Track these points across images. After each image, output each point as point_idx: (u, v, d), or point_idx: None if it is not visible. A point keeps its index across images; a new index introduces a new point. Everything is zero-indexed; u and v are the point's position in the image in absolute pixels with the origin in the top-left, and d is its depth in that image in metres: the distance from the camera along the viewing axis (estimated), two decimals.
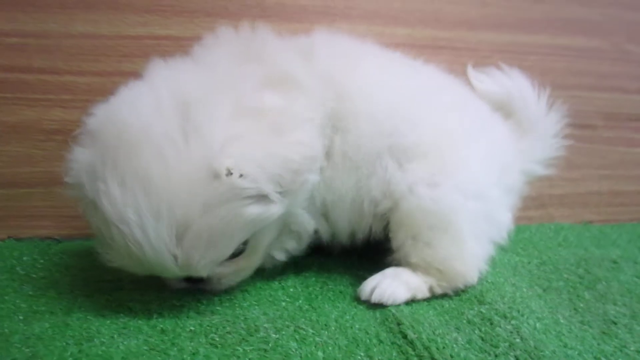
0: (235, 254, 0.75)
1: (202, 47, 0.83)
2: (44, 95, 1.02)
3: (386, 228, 0.84)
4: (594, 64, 1.20)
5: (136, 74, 1.00)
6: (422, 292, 0.81)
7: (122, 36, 1.02)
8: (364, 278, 0.83)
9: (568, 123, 1.15)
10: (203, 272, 0.72)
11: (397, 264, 0.83)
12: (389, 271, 0.82)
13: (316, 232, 0.87)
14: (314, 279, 0.89)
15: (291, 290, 0.84)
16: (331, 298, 0.83)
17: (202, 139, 0.65)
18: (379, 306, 0.79)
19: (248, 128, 0.69)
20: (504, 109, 0.97)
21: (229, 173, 0.65)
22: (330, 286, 0.87)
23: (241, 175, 0.66)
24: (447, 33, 1.12)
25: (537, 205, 0.97)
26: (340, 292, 0.85)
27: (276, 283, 0.86)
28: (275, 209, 0.71)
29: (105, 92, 0.99)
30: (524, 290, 0.86)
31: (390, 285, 0.79)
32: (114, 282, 0.83)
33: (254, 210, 0.69)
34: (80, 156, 0.71)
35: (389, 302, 0.78)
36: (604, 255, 0.96)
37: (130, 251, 0.66)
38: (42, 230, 1.06)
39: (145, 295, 0.79)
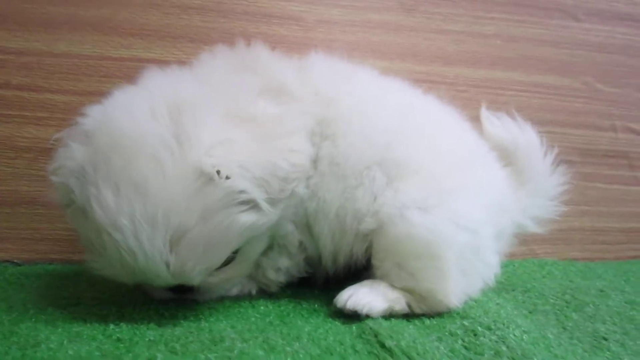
0: (225, 263, 0.71)
1: (199, 60, 0.84)
2: (19, 112, 1.00)
3: (368, 251, 0.79)
4: (567, 102, 1.23)
5: None
6: (401, 305, 0.76)
7: (105, 57, 1.02)
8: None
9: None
10: (195, 281, 0.69)
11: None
12: (367, 282, 0.78)
13: (302, 246, 0.83)
14: (287, 299, 0.83)
15: (262, 308, 0.78)
16: (304, 315, 0.76)
17: (191, 144, 0.64)
18: (356, 320, 0.73)
19: (239, 134, 0.68)
20: (507, 157, 0.94)
21: (219, 175, 0.63)
22: (304, 305, 0.81)
23: (227, 177, 0.64)
24: (425, 67, 1.15)
25: (520, 242, 0.95)
26: (315, 310, 0.79)
27: (246, 302, 0.80)
28: (266, 218, 0.70)
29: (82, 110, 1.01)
30: (509, 309, 0.81)
31: (367, 294, 0.75)
32: (73, 299, 0.78)
33: (248, 217, 0.67)
34: (71, 155, 0.68)
35: (364, 310, 0.73)
36: (590, 285, 0.92)
37: (121, 259, 0.63)
38: (1, 254, 1.00)
39: (104, 310, 0.73)
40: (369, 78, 0.89)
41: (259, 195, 0.67)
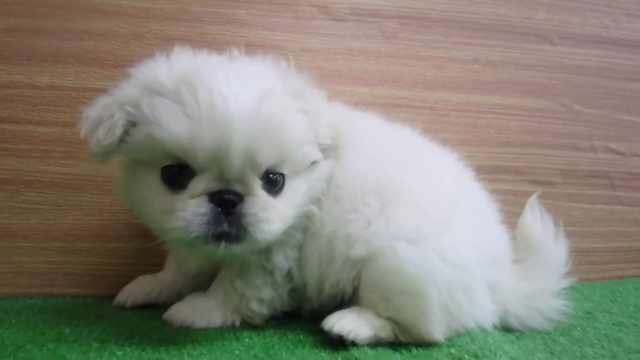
0: (274, 191, 0.73)
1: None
2: (0, 144, 1.00)
3: (354, 280, 0.79)
4: (547, 124, 1.25)
5: None
6: (386, 332, 0.75)
7: (87, 88, 1.03)
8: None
9: (528, 180, 1.18)
10: (265, 159, 0.70)
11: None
12: (355, 308, 0.78)
13: (290, 275, 0.82)
14: (272, 330, 0.81)
15: (246, 340, 0.76)
16: (290, 347, 0.75)
17: None
18: (342, 350, 0.72)
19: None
20: (526, 250, 0.92)
21: None
22: (289, 336, 0.79)
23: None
24: (406, 92, 1.16)
25: None
26: (300, 341, 0.77)
27: (230, 335, 0.78)
28: (315, 153, 0.77)
29: (65, 142, 1.01)
30: (496, 336, 0.79)
31: (354, 320, 0.74)
32: (52, 335, 0.75)
33: (307, 124, 0.75)
34: (132, 88, 0.75)
35: (350, 336, 0.72)
36: (576, 307, 0.90)
37: (212, 103, 0.66)
38: None
39: (84, 346, 0.71)
40: (376, 118, 0.92)
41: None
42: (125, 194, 0.78)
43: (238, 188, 0.68)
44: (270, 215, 0.70)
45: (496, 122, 1.21)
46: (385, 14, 1.16)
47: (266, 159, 0.69)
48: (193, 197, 0.67)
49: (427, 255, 0.74)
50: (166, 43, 1.05)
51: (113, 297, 0.94)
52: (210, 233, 0.67)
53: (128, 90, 0.73)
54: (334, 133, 0.79)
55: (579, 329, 0.88)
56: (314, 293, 0.82)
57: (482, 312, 0.81)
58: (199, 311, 0.81)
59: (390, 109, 1.13)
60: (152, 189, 0.71)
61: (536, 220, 0.93)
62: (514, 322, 0.85)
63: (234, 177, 0.68)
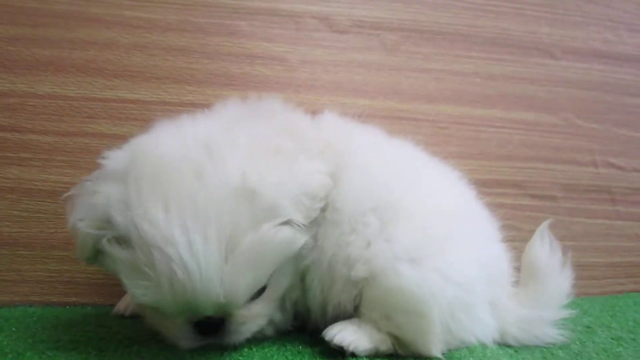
0: (255, 296, 0.72)
1: (212, 110, 0.86)
2: (2, 152, 1.01)
3: (355, 299, 0.79)
4: (548, 138, 1.25)
5: (99, 135, 1.03)
6: (386, 345, 0.76)
7: (89, 98, 1.04)
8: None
9: (529, 194, 1.18)
10: (240, 302, 0.68)
11: None
12: (356, 320, 0.78)
13: (295, 302, 0.83)
14: (270, 340, 0.81)
15: (245, 350, 0.76)
16: (288, 357, 0.75)
17: (224, 164, 0.67)
18: (340, 357, 0.73)
19: (265, 160, 0.71)
20: (530, 276, 0.92)
21: (258, 192, 0.67)
22: (287, 347, 0.79)
23: (262, 195, 0.67)
24: (406, 105, 1.16)
25: None
26: (299, 351, 0.77)
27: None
28: (300, 238, 0.72)
29: (66, 151, 1.02)
30: (494, 348, 0.80)
31: (355, 332, 0.75)
32: (52, 343, 0.77)
33: (288, 231, 0.70)
34: (106, 191, 0.69)
35: (350, 348, 0.73)
36: (576, 321, 0.91)
37: (173, 276, 0.63)
38: None
39: (82, 354, 0.72)
40: (374, 132, 0.92)
41: (295, 214, 0.70)
42: None
43: (217, 315, 0.69)
44: (250, 324, 0.73)
45: (497, 135, 1.21)
46: (387, 27, 1.17)
47: (242, 301, 0.69)
48: (176, 327, 0.70)
49: (429, 274, 0.74)
50: (167, 53, 1.08)
51: (112, 306, 0.95)
52: (197, 345, 0.71)
53: (91, 214, 0.70)
54: (323, 190, 0.76)
55: (577, 343, 0.88)
56: (317, 317, 0.83)
57: (483, 328, 0.82)
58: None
59: (391, 121, 1.13)
60: (140, 306, 0.74)
61: (544, 247, 0.92)
62: (510, 340, 0.86)
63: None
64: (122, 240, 0.66)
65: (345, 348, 0.73)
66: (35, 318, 0.91)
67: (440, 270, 0.74)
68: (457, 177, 0.91)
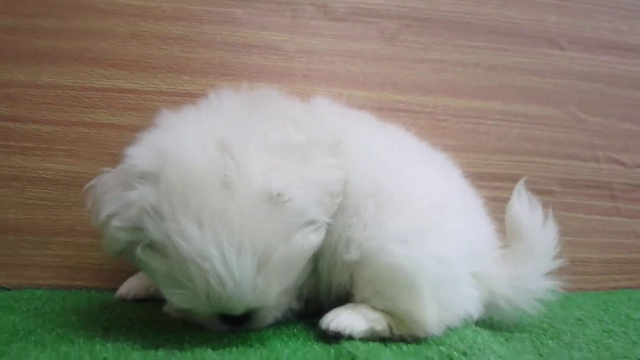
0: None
1: (209, 101, 0.93)
2: (5, 141, 1.13)
3: (350, 278, 0.89)
4: (549, 132, 1.32)
5: (98, 125, 1.13)
6: (381, 325, 0.85)
7: (87, 88, 1.15)
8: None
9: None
10: (271, 302, 0.80)
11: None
12: (349, 305, 0.88)
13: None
14: None
15: (242, 331, 0.87)
16: (284, 339, 0.85)
17: (249, 172, 0.74)
18: (334, 343, 0.82)
19: (280, 160, 0.78)
20: (514, 235, 1.00)
21: (282, 197, 0.74)
22: (283, 330, 0.90)
23: (289, 200, 0.75)
24: (404, 97, 1.24)
25: None
26: (294, 334, 0.88)
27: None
28: (322, 234, 0.81)
29: (66, 140, 1.14)
30: (486, 336, 0.88)
31: (349, 316, 0.84)
32: (60, 322, 0.88)
33: (316, 236, 0.80)
34: (138, 197, 0.75)
35: (347, 332, 0.82)
36: (568, 314, 1.00)
37: (209, 288, 0.72)
38: None
39: (90, 332, 0.83)
40: (370, 119, 1.01)
41: (319, 214, 0.79)
42: None
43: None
44: (271, 315, 0.85)
45: (496, 128, 1.29)
46: (386, 14, 1.24)
47: (272, 302, 0.80)
48: (207, 319, 0.82)
49: (417, 252, 0.83)
50: (163, 42, 1.17)
51: (115, 290, 1.07)
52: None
53: (125, 218, 0.76)
54: (340, 186, 0.84)
55: (568, 334, 0.96)
56: (324, 298, 0.94)
57: (468, 299, 0.92)
58: None
59: (388, 113, 1.20)
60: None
61: (523, 205, 1.01)
62: (502, 304, 0.95)
63: None
64: (157, 249, 0.74)
65: (341, 333, 0.83)
66: (43, 300, 1.04)
67: (426, 250, 0.84)
68: (443, 158, 1.00)
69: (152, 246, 0.75)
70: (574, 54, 1.31)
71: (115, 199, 0.78)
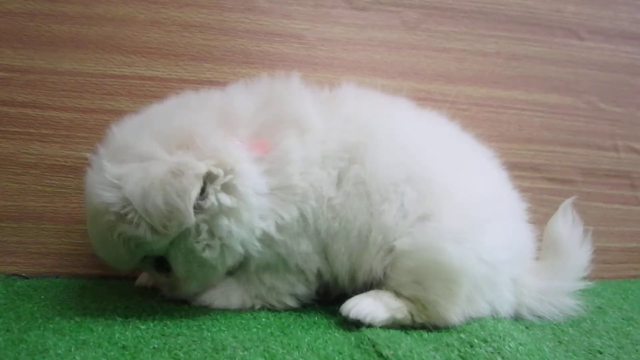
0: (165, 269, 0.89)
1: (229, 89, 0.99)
2: (24, 128, 1.13)
3: (387, 266, 0.90)
4: (570, 121, 1.35)
5: (119, 112, 1.14)
6: (402, 313, 0.87)
7: (107, 75, 1.15)
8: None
9: (546, 177, 1.28)
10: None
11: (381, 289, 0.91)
12: (372, 292, 0.90)
13: (319, 274, 0.95)
14: (288, 311, 0.95)
15: (263, 319, 0.89)
16: (304, 327, 0.87)
17: None
18: (355, 331, 0.84)
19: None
20: (551, 250, 1.05)
21: None
22: (304, 317, 0.92)
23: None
24: (426, 85, 1.27)
25: None
26: (314, 322, 0.90)
27: (248, 314, 0.92)
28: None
29: (86, 128, 1.15)
30: (506, 324, 0.91)
31: (371, 304, 0.87)
32: (79, 310, 0.89)
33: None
34: None
35: (367, 319, 0.85)
36: (588, 302, 1.02)
37: None
38: (9, 267, 1.13)
39: (109, 320, 0.84)
40: (401, 106, 1.03)
41: None
42: None
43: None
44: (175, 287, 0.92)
45: (517, 117, 1.32)
46: (408, 4, 1.27)
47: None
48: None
49: (467, 252, 0.86)
50: (184, 30, 1.18)
51: (134, 278, 1.08)
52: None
53: None
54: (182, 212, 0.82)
55: (588, 321, 0.99)
56: (345, 283, 0.95)
57: (501, 302, 0.95)
58: (219, 292, 0.94)
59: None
60: None
61: (566, 223, 1.05)
62: (524, 312, 0.98)
63: None
64: None
65: (362, 320, 0.85)
66: (61, 288, 1.04)
67: (477, 251, 0.87)
68: (490, 157, 1.03)
69: None
70: (594, 44, 1.34)
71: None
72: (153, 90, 1.16)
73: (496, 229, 0.91)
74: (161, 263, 0.88)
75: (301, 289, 0.95)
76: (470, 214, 0.89)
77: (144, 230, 0.79)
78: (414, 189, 0.89)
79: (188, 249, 0.84)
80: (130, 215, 0.78)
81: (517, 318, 0.97)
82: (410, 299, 0.88)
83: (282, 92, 0.96)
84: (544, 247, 1.06)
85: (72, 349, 0.71)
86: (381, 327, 0.86)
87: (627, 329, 0.97)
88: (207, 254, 0.85)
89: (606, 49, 1.35)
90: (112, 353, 0.71)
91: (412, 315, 0.88)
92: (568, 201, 1.08)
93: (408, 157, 0.91)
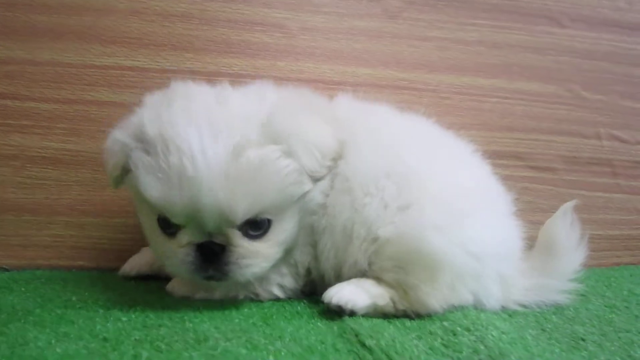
0: (258, 235, 0.87)
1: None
2: (3, 120, 1.13)
3: (371, 257, 0.91)
4: (552, 109, 1.36)
5: (99, 103, 1.15)
6: (384, 300, 0.88)
7: (87, 65, 1.15)
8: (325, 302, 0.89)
9: (529, 165, 1.29)
10: (239, 215, 0.82)
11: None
12: (354, 280, 0.90)
13: (308, 269, 0.97)
14: (270, 302, 0.95)
15: (246, 310, 0.89)
16: (287, 317, 0.87)
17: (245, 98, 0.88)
18: (338, 320, 0.84)
19: (290, 107, 0.90)
20: (545, 247, 1.06)
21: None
22: (286, 308, 0.92)
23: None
24: (408, 74, 1.27)
25: None
26: (297, 312, 0.90)
27: (230, 305, 0.91)
28: (306, 184, 0.88)
29: (66, 119, 1.14)
30: (489, 313, 0.92)
31: (352, 291, 0.87)
32: (60, 302, 0.89)
33: (293, 165, 0.85)
34: (141, 117, 0.86)
35: (349, 306, 0.85)
36: (571, 290, 1.03)
37: (182, 167, 0.78)
38: None
39: (90, 312, 0.84)
40: (385, 109, 1.04)
41: (305, 160, 0.86)
42: (137, 216, 0.94)
43: (219, 239, 0.84)
44: (252, 261, 0.87)
45: (500, 106, 1.32)
46: None
47: (241, 215, 0.82)
48: (180, 246, 0.84)
49: (449, 242, 0.87)
50: (165, 19, 1.18)
51: (117, 270, 1.08)
52: (199, 275, 0.86)
53: (126, 132, 0.87)
54: (333, 153, 0.91)
55: (571, 309, 1.00)
56: (332, 280, 0.96)
57: (487, 296, 0.95)
58: (201, 283, 0.93)
59: (392, 91, 1.25)
60: (152, 229, 0.88)
61: (565, 225, 1.06)
62: (512, 306, 0.99)
63: (213, 231, 0.83)
64: (148, 149, 0.82)
65: (343, 307, 0.86)
66: (43, 280, 1.04)
67: (459, 241, 0.87)
68: (473, 152, 1.04)
69: (143, 149, 0.82)
70: (576, 32, 1.34)
71: (120, 130, 0.87)
72: (134, 81, 1.16)
73: (478, 220, 0.91)
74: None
75: (289, 281, 0.96)
76: (452, 205, 0.89)
77: None
78: (394, 183, 0.90)
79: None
80: None
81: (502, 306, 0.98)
82: (391, 285, 0.89)
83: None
84: (538, 245, 1.07)
85: (53, 342, 0.71)
86: (364, 317, 0.86)
87: (610, 316, 0.98)
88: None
89: (588, 37, 1.36)
90: (93, 345, 0.70)
91: (394, 302, 0.88)
92: (569, 204, 1.09)
93: (388, 152, 0.92)
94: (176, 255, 0.85)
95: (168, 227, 0.85)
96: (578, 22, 1.35)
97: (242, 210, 0.81)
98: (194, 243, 0.84)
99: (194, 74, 1.17)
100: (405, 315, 0.89)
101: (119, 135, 0.86)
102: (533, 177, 1.25)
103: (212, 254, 0.84)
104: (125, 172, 0.87)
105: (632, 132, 1.40)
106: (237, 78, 1.17)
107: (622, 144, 1.40)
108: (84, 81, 1.15)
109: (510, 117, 1.32)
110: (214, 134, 0.80)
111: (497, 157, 1.29)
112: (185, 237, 0.84)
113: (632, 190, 1.41)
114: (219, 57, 1.19)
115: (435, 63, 1.29)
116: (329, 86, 1.22)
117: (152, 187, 0.80)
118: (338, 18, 1.25)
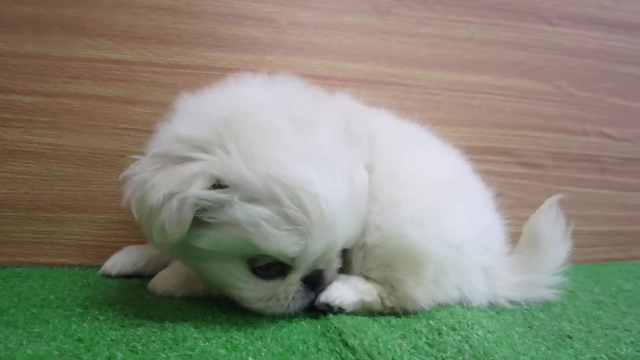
0: None
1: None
2: None
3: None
4: (540, 106, 1.30)
5: (83, 96, 1.06)
6: (372, 296, 0.83)
7: (72, 58, 1.06)
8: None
9: (518, 162, 1.22)
10: (347, 244, 0.79)
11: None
12: (341, 277, 0.85)
13: None
14: None
15: (228, 309, 0.82)
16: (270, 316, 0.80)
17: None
18: (322, 319, 0.79)
19: None
20: (530, 242, 1.01)
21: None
22: None
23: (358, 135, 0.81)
24: (397, 70, 1.20)
25: None
26: None
27: (212, 303, 0.84)
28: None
29: (49, 112, 1.05)
30: (475, 311, 0.87)
31: (340, 288, 0.82)
32: (37, 301, 0.81)
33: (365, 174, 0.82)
34: (205, 166, 0.71)
35: (336, 303, 0.80)
36: (559, 286, 0.99)
37: (320, 210, 0.70)
38: None
39: (67, 311, 0.77)
40: (382, 112, 0.99)
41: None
42: (187, 261, 0.81)
43: (323, 266, 0.80)
44: (334, 271, 0.84)
45: (488, 102, 1.26)
46: None
47: (354, 239, 0.81)
48: (292, 285, 0.77)
49: (429, 236, 0.82)
50: (152, 12, 1.10)
51: (99, 267, 1.00)
52: (306, 304, 0.81)
53: (198, 182, 0.69)
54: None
55: (559, 306, 0.95)
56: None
57: (471, 289, 0.90)
58: (182, 281, 0.87)
59: (381, 86, 1.17)
60: (234, 276, 0.76)
61: (549, 219, 1.00)
62: (501, 302, 0.94)
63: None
64: (254, 199, 0.69)
65: (331, 304, 0.80)
66: (21, 277, 0.96)
67: (438, 234, 0.82)
68: (456, 154, 0.99)
69: (248, 199, 0.69)
70: (564, 30, 1.29)
71: (169, 178, 0.70)
72: (119, 74, 1.07)
73: (456, 212, 0.86)
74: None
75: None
76: (429, 199, 0.84)
77: None
78: (391, 186, 0.84)
79: None
80: None
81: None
82: (378, 281, 0.84)
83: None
84: (523, 241, 1.01)
85: (24, 342, 0.64)
86: (349, 315, 0.81)
87: (597, 312, 0.93)
88: None
89: (576, 34, 1.31)
90: (67, 346, 0.64)
91: (381, 298, 0.83)
92: (553, 198, 1.03)
93: (386, 157, 0.87)
94: (286, 294, 0.77)
95: (265, 270, 0.75)
96: (565, 20, 1.30)
97: (357, 233, 0.80)
98: (303, 277, 0.78)
99: (181, 68, 1.09)
100: (392, 312, 0.84)
101: (181, 188, 0.69)
102: (522, 173, 1.18)
103: (319, 279, 0.80)
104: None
105: (619, 128, 1.35)
106: (225, 72, 1.06)
107: (609, 140, 1.35)
108: (68, 74, 1.06)
109: (499, 113, 1.26)
110: (326, 166, 0.72)
111: (486, 153, 1.26)
112: (296, 276, 0.77)
113: (619, 186, 1.36)
114: (207, 51, 1.11)
115: (425, 59, 1.22)
116: (317, 81, 1.12)
117: (291, 244, 0.70)
118: (328, 14, 1.17)
